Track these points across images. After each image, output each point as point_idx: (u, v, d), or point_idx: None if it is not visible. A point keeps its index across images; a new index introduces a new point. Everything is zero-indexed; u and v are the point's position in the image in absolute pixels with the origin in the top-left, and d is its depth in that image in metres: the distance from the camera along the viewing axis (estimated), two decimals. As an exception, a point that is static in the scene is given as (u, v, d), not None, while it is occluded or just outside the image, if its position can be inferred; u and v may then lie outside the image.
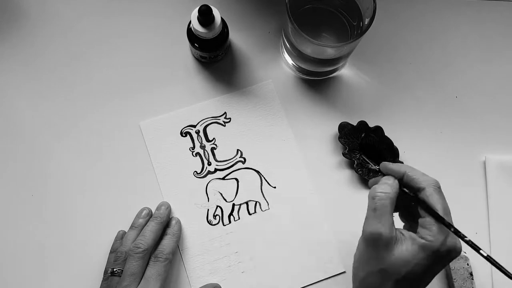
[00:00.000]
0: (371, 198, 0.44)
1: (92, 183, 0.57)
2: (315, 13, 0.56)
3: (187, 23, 0.56)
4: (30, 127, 0.58)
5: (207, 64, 0.60)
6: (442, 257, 0.42)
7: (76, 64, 0.60)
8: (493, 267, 0.56)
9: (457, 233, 0.42)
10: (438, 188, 0.44)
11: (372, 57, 0.61)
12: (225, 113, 0.59)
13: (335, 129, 0.58)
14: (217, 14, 0.53)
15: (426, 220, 0.42)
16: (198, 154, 0.58)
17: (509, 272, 0.40)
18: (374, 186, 0.45)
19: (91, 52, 0.60)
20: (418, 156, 0.59)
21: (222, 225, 0.56)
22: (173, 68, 0.60)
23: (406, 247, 0.42)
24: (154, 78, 0.60)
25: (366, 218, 0.44)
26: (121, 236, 0.55)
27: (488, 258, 0.41)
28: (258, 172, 0.58)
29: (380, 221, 0.42)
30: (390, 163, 0.47)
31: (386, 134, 0.58)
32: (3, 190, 0.57)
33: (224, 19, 0.56)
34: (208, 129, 0.59)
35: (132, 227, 0.55)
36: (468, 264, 0.54)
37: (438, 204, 0.42)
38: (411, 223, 0.46)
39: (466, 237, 0.41)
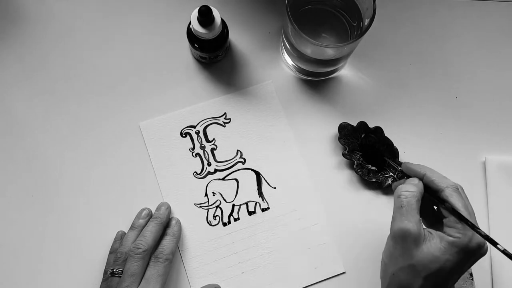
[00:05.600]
0: (397, 197, 0.45)
1: (92, 183, 0.57)
2: (315, 13, 0.56)
3: (187, 24, 0.56)
4: (30, 127, 0.58)
5: (207, 64, 0.60)
6: (471, 253, 0.43)
7: (76, 64, 0.60)
8: (493, 267, 0.56)
9: (481, 234, 0.43)
10: (457, 189, 0.45)
11: (372, 57, 0.61)
12: (225, 113, 0.59)
13: (335, 130, 0.58)
14: (217, 14, 0.53)
15: (451, 219, 0.44)
16: (198, 154, 0.58)
17: None
18: (399, 186, 0.46)
19: (90, 53, 0.60)
20: (418, 156, 0.58)
21: (222, 225, 0.56)
22: (173, 68, 0.60)
23: (435, 244, 0.43)
24: (154, 78, 0.60)
25: (393, 217, 0.45)
26: (121, 236, 0.55)
27: (506, 253, 0.42)
28: (258, 172, 0.58)
29: (407, 218, 0.43)
30: (412, 163, 0.49)
31: (386, 134, 0.58)
32: (3, 190, 0.57)
33: (224, 19, 0.56)
34: (208, 129, 0.59)
35: (132, 227, 0.55)
36: (468, 265, 0.54)
37: (459, 203, 0.44)
38: (435, 226, 0.47)
39: (489, 237, 0.42)
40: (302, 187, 0.57)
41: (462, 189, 0.46)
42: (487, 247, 0.44)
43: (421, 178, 0.47)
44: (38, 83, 0.59)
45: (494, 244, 0.42)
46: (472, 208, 0.45)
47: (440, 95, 0.60)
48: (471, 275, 0.54)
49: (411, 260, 0.43)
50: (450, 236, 0.43)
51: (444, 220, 0.45)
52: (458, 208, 0.44)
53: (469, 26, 0.62)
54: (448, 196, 0.45)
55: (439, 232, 0.44)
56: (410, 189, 0.45)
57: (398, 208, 0.45)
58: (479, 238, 0.43)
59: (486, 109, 0.60)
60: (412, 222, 0.43)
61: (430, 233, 0.44)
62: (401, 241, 0.44)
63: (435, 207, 0.48)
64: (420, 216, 0.45)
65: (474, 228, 0.43)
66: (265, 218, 0.57)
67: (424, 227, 0.45)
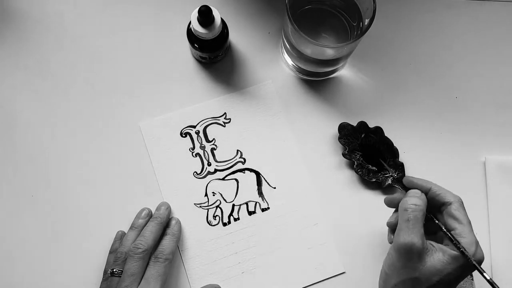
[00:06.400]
0: (404, 209, 0.46)
1: (92, 183, 0.57)
2: (315, 13, 0.56)
3: (187, 24, 0.56)
4: (30, 127, 0.58)
5: (207, 64, 0.60)
6: (471, 268, 0.44)
7: (76, 64, 0.60)
8: (493, 267, 0.56)
9: (471, 261, 0.44)
10: (462, 204, 0.47)
11: (372, 57, 0.61)
12: (225, 113, 0.59)
13: (335, 130, 0.58)
14: (217, 14, 0.53)
15: (456, 233, 0.45)
16: (198, 154, 0.58)
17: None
18: (405, 199, 0.47)
19: (90, 53, 0.60)
20: (418, 156, 0.59)
21: (221, 225, 0.56)
22: (173, 68, 0.60)
23: (438, 257, 0.44)
24: (154, 78, 0.60)
25: (399, 229, 0.46)
26: (121, 236, 0.55)
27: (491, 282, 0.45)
28: (258, 172, 0.58)
29: (413, 232, 0.45)
30: (414, 177, 0.50)
31: (386, 134, 0.58)
32: (3, 190, 0.57)
33: (224, 19, 0.56)
34: (208, 129, 0.59)
35: (131, 227, 0.55)
36: (468, 265, 0.54)
37: (463, 219, 0.46)
38: (431, 236, 0.48)
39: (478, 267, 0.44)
40: (302, 187, 0.57)
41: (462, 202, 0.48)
42: (484, 257, 0.46)
43: (426, 192, 0.48)
44: (38, 83, 0.59)
45: (481, 272, 0.44)
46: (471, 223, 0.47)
47: (440, 95, 0.60)
48: (471, 275, 0.54)
49: (415, 273, 0.44)
50: (454, 250, 0.44)
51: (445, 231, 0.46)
52: (462, 223, 0.45)
53: (469, 26, 0.62)
54: (455, 210, 0.46)
55: (440, 245, 0.45)
56: (417, 203, 0.46)
57: (404, 221, 0.45)
58: (480, 254, 0.44)
59: (486, 109, 0.60)
60: (418, 237, 0.44)
61: (433, 245, 0.45)
62: (405, 254, 0.44)
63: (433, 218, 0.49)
64: None
65: (464, 254, 0.44)
66: (265, 218, 0.57)
67: (429, 241, 0.46)
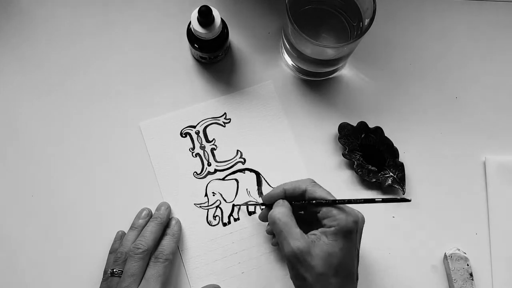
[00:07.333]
0: (272, 223, 0.47)
1: (92, 183, 0.57)
2: (315, 13, 0.56)
3: (187, 24, 0.56)
4: (30, 127, 0.58)
5: (207, 64, 0.60)
6: (353, 230, 0.45)
7: (76, 64, 0.60)
8: (493, 267, 0.56)
9: (349, 202, 0.47)
10: (313, 183, 0.49)
11: (372, 57, 0.61)
12: (225, 113, 0.59)
13: (335, 130, 0.58)
14: (217, 14, 0.53)
15: (323, 211, 0.46)
16: (198, 154, 0.58)
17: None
18: (270, 213, 0.48)
19: (90, 53, 0.60)
20: (418, 156, 0.59)
21: (222, 225, 0.56)
22: (173, 68, 0.60)
23: (324, 242, 0.45)
24: (154, 78, 0.60)
25: (280, 243, 0.47)
26: (121, 236, 0.55)
27: (385, 200, 0.46)
28: (258, 172, 0.58)
29: (290, 238, 0.45)
30: (269, 192, 0.51)
31: (386, 134, 0.58)
32: (3, 190, 0.57)
33: (224, 19, 0.56)
34: (208, 129, 0.59)
35: (132, 227, 0.55)
36: (468, 265, 0.54)
37: (322, 193, 0.47)
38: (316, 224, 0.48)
39: (358, 200, 0.47)
40: (302, 187, 0.57)
41: (313, 180, 0.50)
42: (362, 215, 0.48)
43: (283, 195, 0.49)
44: (38, 83, 0.59)
45: (371, 201, 0.46)
46: (328, 191, 0.48)
47: (440, 95, 0.60)
48: (471, 275, 0.54)
49: (316, 270, 0.44)
50: (331, 227, 0.45)
51: (319, 215, 0.47)
52: (324, 197, 0.47)
53: (469, 26, 0.62)
54: (312, 192, 0.47)
55: (321, 229, 0.46)
56: (280, 210, 0.47)
57: (278, 234, 0.46)
58: (352, 215, 0.46)
59: (486, 109, 0.60)
60: (297, 239, 0.45)
61: (314, 234, 0.46)
62: (297, 260, 0.45)
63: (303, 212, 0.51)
64: (301, 222, 0.47)
65: (336, 203, 0.46)
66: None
67: (310, 232, 0.46)
